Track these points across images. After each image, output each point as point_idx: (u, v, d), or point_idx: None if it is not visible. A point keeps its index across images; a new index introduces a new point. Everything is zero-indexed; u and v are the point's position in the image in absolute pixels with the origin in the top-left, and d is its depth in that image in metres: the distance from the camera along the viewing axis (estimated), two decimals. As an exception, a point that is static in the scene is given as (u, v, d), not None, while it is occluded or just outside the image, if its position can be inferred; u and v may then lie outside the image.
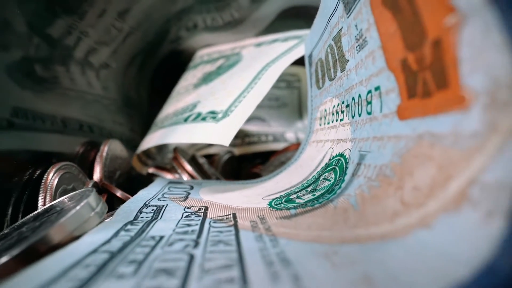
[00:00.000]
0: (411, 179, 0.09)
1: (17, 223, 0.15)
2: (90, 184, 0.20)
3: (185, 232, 0.11)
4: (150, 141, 0.26)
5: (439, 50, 0.08)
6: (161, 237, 0.11)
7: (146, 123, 0.38)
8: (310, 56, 0.22)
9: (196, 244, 0.10)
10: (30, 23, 0.21)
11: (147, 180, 0.27)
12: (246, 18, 0.34)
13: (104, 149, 0.23)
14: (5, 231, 0.14)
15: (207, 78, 0.29)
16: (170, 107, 0.30)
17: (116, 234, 0.11)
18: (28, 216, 0.15)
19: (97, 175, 0.22)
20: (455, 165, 0.08)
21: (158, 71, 0.40)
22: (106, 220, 0.13)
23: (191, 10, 0.35)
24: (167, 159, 0.34)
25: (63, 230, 0.11)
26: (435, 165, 0.08)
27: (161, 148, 0.35)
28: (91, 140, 0.26)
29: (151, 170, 0.26)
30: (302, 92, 0.38)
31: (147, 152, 0.31)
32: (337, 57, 0.16)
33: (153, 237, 0.11)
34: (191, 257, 0.09)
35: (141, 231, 0.11)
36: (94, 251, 0.09)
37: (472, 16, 0.07)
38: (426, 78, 0.09)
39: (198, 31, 0.37)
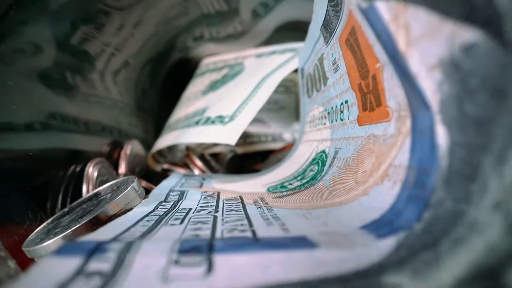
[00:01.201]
0: (362, 166, 0.14)
1: (73, 204, 0.19)
2: (121, 176, 0.25)
3: (206, 206, 0.16)
4: (165, 141, 0.31)
5: (375, 82, 0.13)
6: (190, 209, 0.15)
7: (157, 125, 0.43)
8: (302, 69, 0.27)
9: (216, 211, 0.14)
10: (57, 36, 0.26)
11: (161, 175, 0.32)
12: (247, 31, 0.39)
13: (128, 148, 0.28)
14: (65, 210, 0.19)
15: (214, 86, 0.34)
16: (181, 111, 0.34)
17: (157, 207, 0.16)
18: (80, 200, 0.20)
19: (122, 169, 0.27)
20: (383, 155, 0.12)
21: (168, 77, 0.45)
22: (143, 201, 0.18)
23: (198, 24, 0.40)
24: (176, 157, 0.39)
25: (117, 206, 0.16)
26: (374, 156, 0.13)
27: (172, 148, 0.39)
28: (114, 140, 0.31)
29: (166, 166, 0.31)
30: (299, 97, 0.43)
31: (160, 152, 0.36)
32: (320, 74, 0.21)
33: (184, 209, 0.15)
34: (215, 217, 0.13)
35: (174, 205, 0.16)
36: (147, 215, 0.14)
37: (385, 66, 0.11)
38: (371, 98, 0.14)
39: (204, 41, 0.42)
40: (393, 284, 0.07)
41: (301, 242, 0.09)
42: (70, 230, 0.15)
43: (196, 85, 0.38)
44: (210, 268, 0.08)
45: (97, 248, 0.09)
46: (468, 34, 0.07)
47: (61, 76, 0.28)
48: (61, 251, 0.09)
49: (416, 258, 0.08)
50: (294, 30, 0.38)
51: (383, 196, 0.11)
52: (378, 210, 0.11)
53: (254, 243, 0.09)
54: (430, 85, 0.09)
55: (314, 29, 0.20)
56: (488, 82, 0.07)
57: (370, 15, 0.10)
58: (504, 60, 0.06)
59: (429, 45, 0.08)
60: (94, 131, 0.31)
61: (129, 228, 0.11)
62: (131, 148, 0.28)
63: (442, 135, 0.09)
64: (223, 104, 0.28)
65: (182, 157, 0.36)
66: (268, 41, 0.40)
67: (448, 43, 0.07)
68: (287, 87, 0.45)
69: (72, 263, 0.08)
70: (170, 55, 0.44)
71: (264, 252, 0.08)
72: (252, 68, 0.33)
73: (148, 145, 0.37)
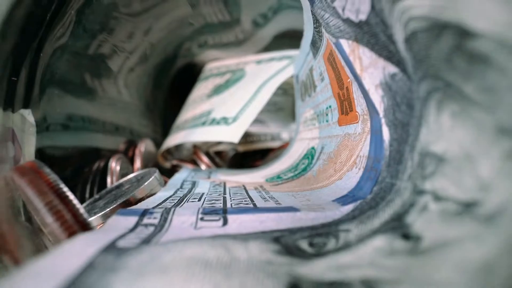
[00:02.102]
0: (339, 158, 0.18)
1: (102, 192, 0.23)
2: (137, 171, 0.29)
3: (216, 191, 0.20)
4: (174, 140, 0.35)
5: (348, 92, 0.17)
6: (203, 193, 0.19)
7: (164, 125, 0.47)
8: (297, 76, 0.31)
9: (224, 194, 0.18)
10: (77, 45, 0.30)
11: (169, 171, 0.36)
12: (248, 38, 0.43)
13: (142, 146, 0.32)
14: (96, 197, 0.23)
15: (217, 90, 0.38)
16: (188, 113, 0.38)
17: (175, 192, 0.20)
18: (108, 188, 0.24)
19: (138, 164, 0.31)
20: (354, 149, 0.16)
21: (174, 80, 0.49)
22: (162, 188, 0.22)
23: (202, 32, 0.44)
24: (183, 155, 0.43)
25: (144, 191, 0.20)
26: (348, 150, 0.17)
27: (179, 146, 0.43)
28: (129, 139, 0.35)
29: (175, 162, 0.35)
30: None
31: (168, 150, 0.40)
32: (311, 82, 0.25)
33: (198, 193, 0.19)
34: (224, 197, 0.17)
35: (189, 191, 0.20)
36: (170, 196, 0.18)
37: (352, 82, 0.15)
38: (346, 105, 0.18)
39: (208, 47, 0.46)
40: (345, 229, 0.11)
41: (288, 209, 0.13)
42: (108, 209, 0.19)
43: (201, 89, 0.42)
44: (225, 222, 0.12)
45: (145, 211, 0.13)
46: (391, 67, 0.11)
47: (81, 80, 0.32)
48: (121, 213, 0.13)
49: (363, 214, 0.12)
50: (291, 38, 0.42)
51: (351, 179, 0.15)
52: (347, 188, 0.15)
53: (255, 209, 0.13)
54: (377, 98, 0.13)
55: (305, 44, 0.24)
56: (404, 98, 0.11)
57: (338, 46, 0.14)
58: (410, 85, 0.10)
59: (373, 71, 0.12)
60: (110, 131, 0.35)
61: (161, 203, 0.16)
62: (145, 146, 0.33)
63: (386, 133, 0.13)
64: (227, 106, 0.32)
65: (188, 155, 0.41)
66: (267, 48, 0.44)
67: (383, 72, 0.12)
68: (285, 90, 0.49)
69: (132, 218, 0.12)
70: (176, 60, 0.48)
71: (261, 213, 0.12)
72: (253, 73, 0.37)
73: (156, 143, 0.41)
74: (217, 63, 0.46)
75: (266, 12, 0.39)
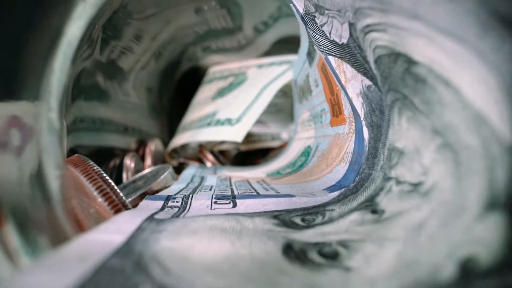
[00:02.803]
0: (331, 154, 0.21)
1: (120, 185, 0.26)
2: (148, 168, 0.32)
3: (223, 184, 0.23)
4: (181, 139, 0.38)
5: (337, 98, 0.20)
6: (212, 185, 0.22)
7: (170, 126, 0.50)
8: (295, 81, 0.34)
9: (231, 186, 0.21)
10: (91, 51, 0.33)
11: (176, 169, 0.39)
12: (250, 43, 0.46)
13: (152, 145, 0.35)
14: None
15: (221, 93, 0.41)
16: (194, 114, 0.41)
17: (187, 184, 0.23)
18: (126, 182, 0.27)
19: (148, 162, 0.34)
20: (342, 146, 0.19)
21: (179, 83, 0.52)
22: (174, 182, 0.25)
23: (206, 37, 0.47)
24: (188, 154, 0.46)
25: (159, 184, 0.23)
26: (338, 147, 0.20)
27: (184, 146, 0.46)
28: (139, 139, 0.38)
29: (182, 160, 0.38)
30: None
31: (174, 149, 0.43)
32: (308, 87, 0.28)
33: (207, 185, 0.22)
34: (231, 188, 0.20)
35: (199, 184, 0.23)
36: (184, 188, 0.21)
37: (340, 89, 0.18)
38: (336, 108, 0.21)
39: (211, 52, 0.49)
40: (330, 209, 0.14)
41: (286, 195, 0.16)
42: (130, 199, 0.22)
43: (205, 91, 0.45)
44: (234, 205, 0.15)
45: (169, 197, 0.16)
46: (367, 81, 0.14)
47: (98, 84, 0.35)
48: (150, 198, 0.16)
49: (345, 198, 0.15)
50: (289, 44, 0.45)
51: (339, 171, 0.18)
52: (336, 179, 0.18)
53: (258, 195, 0.16)
54: (358, 104, 0.16)
55: (302, 54, 0.27)
56: (377, 105, 0.14)
57: (327, 61, 0.17)
58: (381, 95, 0.13)
59: (354, 83, 0.15)
60: (121, 131, 0.38)
61: (178, 192, 0.19)
62: (155, 145, 0.36)
63: (366, 133, 0.16)
64: (230, 108, 0.36)
65: (193, 153, 0.44)
66: (267, 53, 0.47)
67: (361, 84, 0.15)
68: (285, 92, 0.52)
69: (159, 202, 0.15)
70: (181, 64, 0.51)
71: (263, 199, 0.16)
72: (254, 77, 0.40)
73: (163, 143, 0.44)
74: (220, 66, 0.49)
75: (266, 20, 0.42)
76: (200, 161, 0.38)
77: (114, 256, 0.08)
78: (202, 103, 0.43)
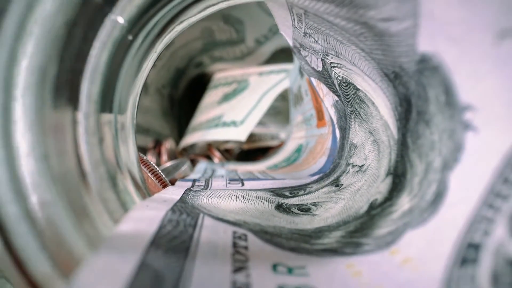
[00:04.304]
0: (316, 149, 0.28)
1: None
2: (165, 164, 0.38)
3: (231, 173, 0.29)
4: (192, 139, 0.45)
5: (320, 106, 0.26)
6: (223, 174, 0.29)
7: (179, 127, 0.57)
8: (291, 89, 0.41)
9: (238, 175, 0.28)
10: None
11: (187, 164, 0.46)
12: (251, 53, 0.53)
13: (168, 143, 0.42)
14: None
15: (226, 98, 0.48)
16: (202, 116, 0.48)
17: (203, 174, 0.29)
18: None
19: (164, 158, 0.41)
20: (324, 143, 0.26)
21: (187, 88, 0.59)
22: (191, 173, 0.31)
23: (212, 47, 0.53)
24: (196, 151, 0.52)
25: (181, 174, 0.30)
26: (321, 144, 0.27)
27: (192, 144, 0.53)
28: (155, 138, 0.45)
29: (192, 156, 0.44)
30: (292, 104, 0.56)
31: (184, 147, 0.49)
32: (300, 95, 0.34)
33: (219, 175, 0.29)
34: (239, 176, 0.27)
35: (212, 174, 0.30)
36: (201, 176, 0.28)
37: (321, 100, 0.25)
38: (320, 114, 0.27)
39: (216, 60, 0.56)
40: (310, 186, 0.21)
41: (280, 179, 0.23)
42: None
43: (211, 96, 0.52)
44: (242, 184, 0.22)
45: (194, 180, 0.23)
46: (335, 97, 0.21)
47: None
48: (181, 180, 0.22)
49: (321, 180, 0.21)
50: (285, 54, 0.52)
51: (321, 162, 0.25)
52: (317, 168, 0.25)
53: (259, 179, 0.23)
54: (332, 113, 0.22)
55: (295, 68, 0.33)
56: (343, 114, 0.21)
57: (310, 80, 0.24)
58: (344, 107, 0.20)
59: (328, 98, 0.22)
60: (139, 131, 0.44)
61: (200, 177, 0.25)
62: (169, 143, 0.42)
63: (337, 133, 0.22)
64: (235, 112, 0.42)
65: (200, 151, 0.50)
66: (267, 61, 0.53)
67: (332, 98, 0.21)
68: (284, 96, 0.58)
69: (189, 183, 0.22)
70: (188, 71, 0.58)
71: (263, 180, 0.22)
72: (256, 84, 0.47)
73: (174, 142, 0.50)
74: (224, 73, 0.56)
75: (266, 33, 0.49)
76: (208, 157, 0.45)
77: (179, 202, 0.15)
78: (209, 106, 0.49)
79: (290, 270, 0.10)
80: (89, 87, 0.10)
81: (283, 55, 0.53)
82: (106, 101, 0.11)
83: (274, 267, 0.10)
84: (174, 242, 0.10)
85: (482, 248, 0.08)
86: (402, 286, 0.09)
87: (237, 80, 0.52)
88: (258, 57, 0.54)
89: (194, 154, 0.46)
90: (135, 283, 0.08)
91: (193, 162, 0.45)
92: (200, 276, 0.09)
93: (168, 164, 0.34)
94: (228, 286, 0.09)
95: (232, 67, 0.56)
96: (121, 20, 0.10)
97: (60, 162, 0.09)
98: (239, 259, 0.10)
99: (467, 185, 0.09)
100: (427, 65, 0.10)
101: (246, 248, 0.11)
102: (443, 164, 0.10)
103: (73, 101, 0.09)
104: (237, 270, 0.10)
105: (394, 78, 0.13)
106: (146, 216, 0.11)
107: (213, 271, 0.09)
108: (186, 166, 0.30)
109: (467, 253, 0.08)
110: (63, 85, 0.09)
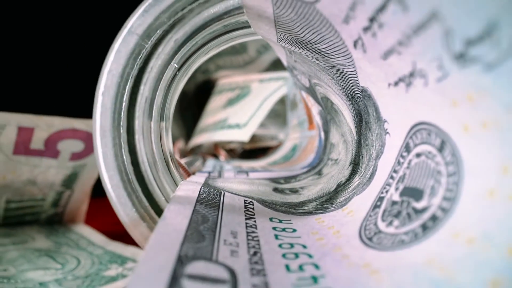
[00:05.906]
0: (307, 148, 0.34)
1: (164, 172, 0.40)
2: (183, 161, 0.45)
3: (237, 168, 0.36)
4: (199, 139, 0.52)
5: (310, 112, 0.33)
6: (230, 169, 0.36)
7: (187, 129, 0.63)
8: (288, 95, 0.47)
9: (243, 169, 0.35)
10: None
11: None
12: (253, 61, 0.60)
13: (179, 143, 0.49)
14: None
15: (230, 102, 0.55)
16: (208, 119, 0.55)
17: (213, 169, 0.36)
18: (167, 169, 0.40)
19: (177, 157, 0.48)
20: (313, 143, 0.33)
21: (194, 93, 0.65)
22: (203, 168, 0.38)
23: (216, 56, 0.60)
24: (202, 150, 0.59)
25: (195, 169, 0.37)
26: (311, 144, 0.34)
27: (200, 145, 0.60)
28: (167, 139, 0.51)
29: (200, 154, 0.51)
30: (290, 108, 0.63)
31: (192, 147, 0.56)
32: (295, 101, 0.41)
33: (227, 169, 0.36)
34: (244, 170, 0.34)
35: (221, 169, 0.37)
36: (212, 170, 0.34)
37: (310, 108, 0.32)
38: (310, 119, 0.34)
39: (220, 67, 0.63)
40: (300, 176, 0.27)
41: (276, 171, 0.30)
42: (177, 178, 0.35)
43: (216, 101, 0.59)
44: (247, 175, 0.28)
45: (209, 172, 0.29)
46: (319, 108, 0.27)
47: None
48: (199, 172, 0.29)
49: (309, 171, 0.28)
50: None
51: (310, 158, 0.32)
52: (308, 163, 0.32)
53: (260, 171, 0.30)
54: (317, 119, 0.29)
55: (291, 79, 0.40)
56: (325, 120, 0.27)
57: (301, 92, 0.31)
58: (325, 115, 0.27)
59: (315, 107, 0.29)
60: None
61: (212, 171, 0.32)
62: (181, 144, 0.49)
63: (322, 135, 0.29)
64: (239, 115, 0.49)
65: (206, 151, 0.57)
66: (267, 69, 0.60)
67: (317, 108, 0.28)
68: (282, 100, 0.65)
69: (206, 174, 0.28)
70: (195, 77, 0.64)
71: (264, 172, 0.29)
72: (257, 91, 0.53)
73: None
74: (227, 79, 0.63)
75: (266, 44, 0.55)
76: (215, 155, 0.51)
77: (205, 184, 0.21)
78: (215, 110, 0.56)
79: (280, 221, 0.17)
80: (156, 106, 0.17)
81: (281, 64, 0.60)
82: (162, 114, 0.18)
83: (271, 219, 0.17)
84: (209, 202, 0.17)
85: (384, 199, 0.14)
86: (344, 224, 0.15)
87: (239, 86, 0.59)
88: (259, 65, 0.61)
89: (201, 153, 0.53)
90: (193, 219, 0.14)
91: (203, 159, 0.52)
92: (226, 219, 0.15)
93: (183, 161, 0.40)
94: (244, 225, 0.15)
95: (235, 73, 0.63)
96: (175, 64, 0.17)
97: (149, 153, 0.16)
98: (249, 214, 0.17)
99: (384, 167, 0.16)
100: (365, 94, 0.17)
101: (253, 209, 0.18)
102: (376, 155, 0.17)
103: (151, 115, 0.16)
104: (248, 218, 0.16)
105: (351, 98, 0.20)
106: (190, 188, 0.18)
107: (234, 217, 0.16)
108: (199, 162, 0.37)
109: (377, 203, 0.15)
110: (152, 108, 0.16)
